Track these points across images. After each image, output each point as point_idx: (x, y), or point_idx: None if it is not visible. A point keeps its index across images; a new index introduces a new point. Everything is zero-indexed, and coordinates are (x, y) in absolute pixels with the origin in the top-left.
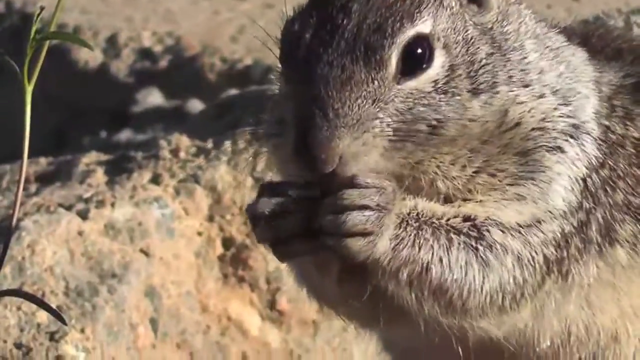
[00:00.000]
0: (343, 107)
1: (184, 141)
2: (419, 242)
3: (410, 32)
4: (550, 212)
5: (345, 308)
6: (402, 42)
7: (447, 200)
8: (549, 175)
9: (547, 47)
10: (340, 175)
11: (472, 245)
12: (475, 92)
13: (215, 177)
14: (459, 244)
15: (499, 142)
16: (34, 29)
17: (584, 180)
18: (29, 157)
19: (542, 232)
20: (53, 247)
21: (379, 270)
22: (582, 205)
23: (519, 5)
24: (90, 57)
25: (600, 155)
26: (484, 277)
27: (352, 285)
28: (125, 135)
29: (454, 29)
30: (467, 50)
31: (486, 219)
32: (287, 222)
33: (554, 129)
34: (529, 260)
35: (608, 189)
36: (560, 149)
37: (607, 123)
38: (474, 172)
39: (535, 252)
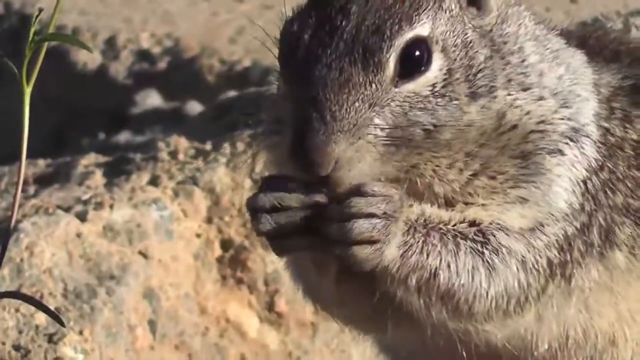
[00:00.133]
0: (340, 110)
1: (182, 143)
2: (427, 249)
3: (408, 35)
4: (552, 214)
5: (342, 310)
6: (400, 44)
7: (448, 204)
8: (550, 177)
9: (547, 49)
10: (335, 179)
11: (478, 250)
12: (473, 96)
13: (214, 178)
14: (466, 249)
15: (496, 144)
16: (32, 30)
17: (585, 182)
18: (28, 158)
19: (546, 235)
20: (51, 248)
21: (387, 278)
22: (583, 208)
23: (518, 7)
24: (89, 58)
25: (600, 158)
26: (490, 282)
27: (350, 287)
28: (123, 136)
29: (453, 32)
30: (466, 54)
31: (491, 223)
32: (286, 216)
33: (554, 132)
34: (533, 264)
35: (608, 191)
36: (560, 152)
37: (606, 125)
38: (472, 175)
39: (540, 255)
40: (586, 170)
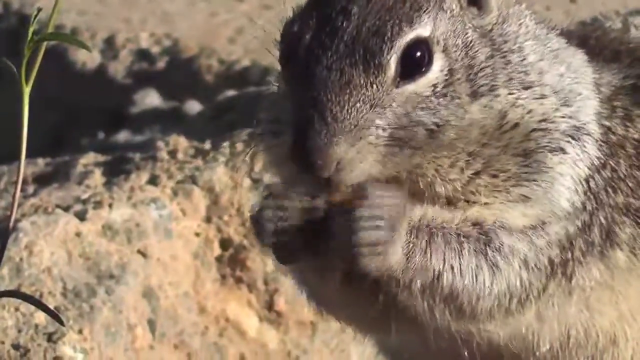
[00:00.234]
0: (341, 112)
1: (181, 142)
2: (431, 250)
3: (409, 36)
4: (555, 213)
5: (345, 311)
6: (401, 45)
7: (449, 203)
8: (552, 175)
9: (547, 48)
10: (337, 180)
11: (481, 249)
12: (474, 96)
13: (213, 178)
14: (469, 248)
15: (498, 143)
16: (31, 30)
17: (587, 181)
18: (27, 158)
19: (548, 233)
20: (51, 248)
21: (392, 282)
22: (585, 207)
23: (519, 7)
24: (87, 58)
25: (602, 156)
26: (493, 280)
27: (354, 291)
28: (123, 136)
29: (454, 33)
30: (467, 54)
31: (494, 222)
32: (291, 227)
33: (556, 130)
34: (535, 263)
35: (610, 190)
36: (562, 150)
37: (608, 124)
38: (473, 174)
39: (542, 253)
40: (588, 168)
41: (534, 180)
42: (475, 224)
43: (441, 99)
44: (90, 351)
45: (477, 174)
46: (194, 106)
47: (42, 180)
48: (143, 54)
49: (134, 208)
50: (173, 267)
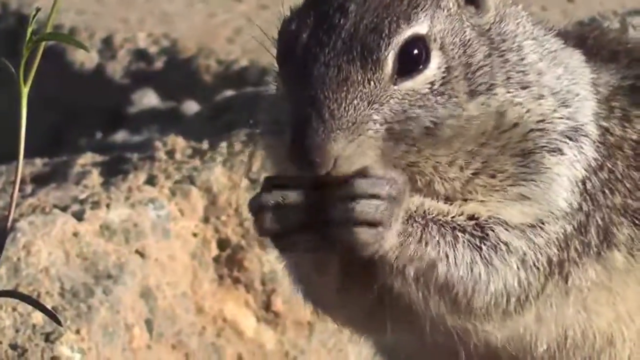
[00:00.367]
0: (339, 109)
1: (179, 142)
2: (426, 238)
3: (406, 33)
4: (552, 212)
5: (342, 310)
6: (398, 42)
7: (447, 200)
8: (550, 176)
9: (546, 49)
10: (335, 176)
11: (476, 245)
12: (472, 94)
13: (211, 178)
14: (464, 242)
15: (496, 143)
16: (29, 30)
17: (583, 182)
18: (25, 158)
19: (546, 232)
20: (48, 248)
21: (386, 267)
22: (581, 207)
23: (516, 7)
24: (86, 58)
25: (599, 157)
26: (489, 278)
27: (350, 285)
28: (120, 136)
29: (451, 31)
30: (465, 52)
31: (489, 218)
32: (290, 212)
33: (554, 130)
34: (534, 262)
35: (607, 191)
36: (560, 151)
37: (605, 124)
38: (472, 174)
39: (540, 253)
40: (585, 170)
41: (532, 180)
42: (470, 218)
43: (438, 97)
44: (88, 351)
45: (475, 173)
46: (191, 106)
47: (39, 180)
48: (141, 54)
49: (131, 208)
50: (171, 267)
